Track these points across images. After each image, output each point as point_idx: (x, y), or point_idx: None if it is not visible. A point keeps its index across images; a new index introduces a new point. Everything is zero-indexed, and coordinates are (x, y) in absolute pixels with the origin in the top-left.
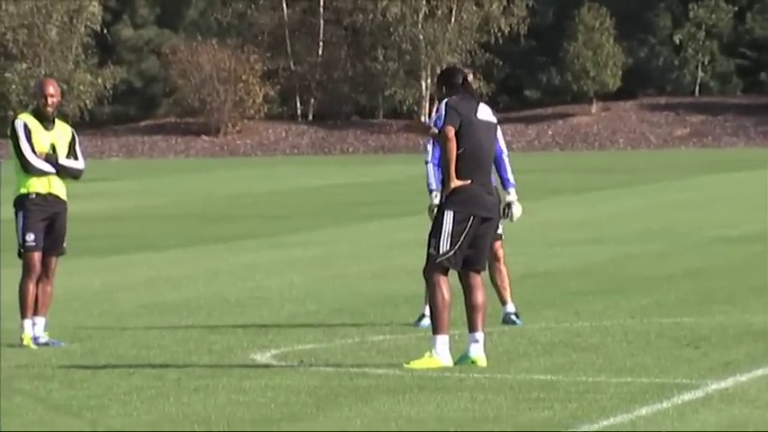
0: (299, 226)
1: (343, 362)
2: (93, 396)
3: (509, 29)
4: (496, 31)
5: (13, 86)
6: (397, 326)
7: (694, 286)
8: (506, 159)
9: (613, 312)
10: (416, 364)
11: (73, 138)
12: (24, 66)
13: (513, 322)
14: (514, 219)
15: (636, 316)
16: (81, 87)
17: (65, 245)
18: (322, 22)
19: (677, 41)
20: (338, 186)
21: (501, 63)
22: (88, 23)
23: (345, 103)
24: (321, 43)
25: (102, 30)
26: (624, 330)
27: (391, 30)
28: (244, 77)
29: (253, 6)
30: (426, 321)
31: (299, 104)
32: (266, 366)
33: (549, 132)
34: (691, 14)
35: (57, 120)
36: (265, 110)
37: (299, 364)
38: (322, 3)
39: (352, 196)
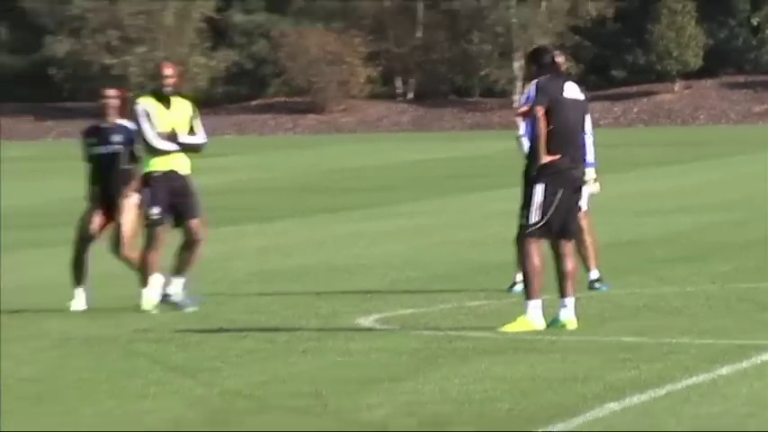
0: (401, 198)
1: (442, 325)
2: (207, 358)
3: (597, 13)
4: (585, 14)
5: (132, 68)
6: (492, 291)
7: None
8: (589, 141)
9: (696, 278)
10: (510, 328)
11: (194, 113)
12: (143, 49)
13: (597, 288)
14: (589, 195)
15: (717, 281)
16: (196, 69)
17: (199, 209)
18: (421, 7)
19: (755, 23)
20: (437, 161)
21: (589, 45)
22: (202, 10)
23: (443, 83)
24: (420, 27)
25: (215, 15)
26: (706, 295)
27: (485, 14)
28: (348, 59)
29: None
30: (519, 287)
31: (399, 84)
32: (370, 330)
33: (635, 109)
34: None
35: (176, 98)
36: (368, 90)
37: (401, 327)
38: None
39: (450, 170)
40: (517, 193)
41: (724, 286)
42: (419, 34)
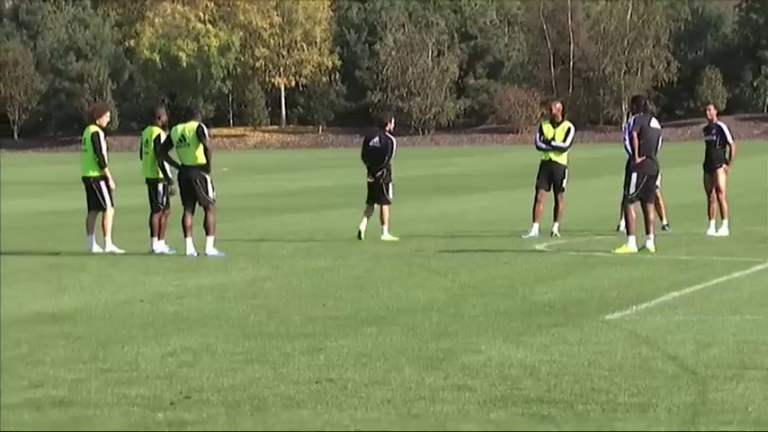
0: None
1: (581, 249)
2: (452, 265)
3: (668, 79)
4: (661, 80)
5: (414, 109)
6: (609, 231)
7: None
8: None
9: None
10: (618, 251)
11: (568, 130)
12: (419, 99)
13: (666, 230)
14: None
15: (736, 228)
16: (448, 109)
17: (561, 184)
18: (572, 76)
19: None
20: (577, 160)
21: (664, 96)
22: (451, 77)
23: (583, 117)
24: (572, 86)
25: (458, 79)
26: (728, 236)
27: (607, 79)
28: (531, 104)
29: (537, 68)
30: (623, 228)
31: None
32: (541, 251)
33: (689, 131)
34: None
35: (563, 122)
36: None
37: (558, 250)
38: (572, 66)
39: (587, 162)
40: (617, 178)
41: (741, 229)
42: (570, 90)
